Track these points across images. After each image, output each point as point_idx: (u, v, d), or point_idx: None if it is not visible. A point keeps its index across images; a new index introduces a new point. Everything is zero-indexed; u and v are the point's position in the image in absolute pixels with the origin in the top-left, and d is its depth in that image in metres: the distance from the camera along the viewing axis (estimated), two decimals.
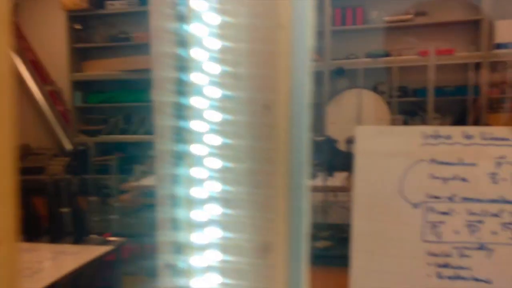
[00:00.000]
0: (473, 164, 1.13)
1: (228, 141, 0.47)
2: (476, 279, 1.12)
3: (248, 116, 0.46)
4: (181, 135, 0.45)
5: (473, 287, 1.13)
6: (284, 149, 0.46)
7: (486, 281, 1.12)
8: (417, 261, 1.15)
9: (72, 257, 1.80)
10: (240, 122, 0.47)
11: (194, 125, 0.46)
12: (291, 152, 0.46)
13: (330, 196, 2.06)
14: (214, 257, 0.46)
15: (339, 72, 3.37)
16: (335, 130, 2.27)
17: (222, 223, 0.46)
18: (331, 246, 1.80)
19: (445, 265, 1.14)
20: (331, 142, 1.92)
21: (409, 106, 3.97)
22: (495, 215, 1.12)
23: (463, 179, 1.14)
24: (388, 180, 1.17)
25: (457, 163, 1.14)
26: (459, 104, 4.02)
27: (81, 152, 2.65)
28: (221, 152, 0.47)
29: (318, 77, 3.46)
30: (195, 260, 0.47)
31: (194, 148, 0.48)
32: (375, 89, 3.77)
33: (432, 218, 1.15)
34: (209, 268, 0.46)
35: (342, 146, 2.15)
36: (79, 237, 2.03)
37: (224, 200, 0.46)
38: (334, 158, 2.06)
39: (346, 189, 2.21)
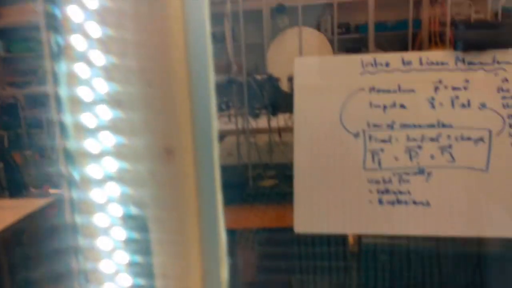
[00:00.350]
0: (411, 91, 1.13)
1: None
2: (415, 203, 1.15)
3: None
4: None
5: (413, 210, 1.16)
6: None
7: (425, 204, 1.15)
8: (360, 189, 1.16)
9: (10, 211, 1.71)
10: None
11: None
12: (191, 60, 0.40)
13: (274, 136, 2.05)
14: (111, 165, 0.40)
15: (280, 10, 3.28)
16: (277, 69, 2.22)
17: (116, 128, 0.40)
18: (276, 184, 1.81)
19: (386, 191, 1.16)
20: (273, 80, 1.87)
21: (352, 43, 3.97)
22: (433, 140, 1.13)
23: (402, 106, 1.13)
24: (329, 111, 1.15)
25: (396, 90, 1.13)
26: (401, 38, 4.06)
27: (10, 106, 2.47)
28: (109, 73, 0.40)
29: (257, 16, 3.36)
30: (90, 170, 0.41)
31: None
32: (317, 26, 3.72)
33: (373, 146, 1.15)
34: (106, 178, 0.41)
35: (284, 86, 2.11)
36: (15, 191, 1.92)
37: (115, 101, 0.39)
38: (277, 98, 2.03)
39: (289, 129, 2.19)
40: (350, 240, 1.31)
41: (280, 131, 2.08)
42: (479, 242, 1.29)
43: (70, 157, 0.41)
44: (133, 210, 0.40)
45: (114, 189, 0.41)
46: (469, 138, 1.13)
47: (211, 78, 0.40)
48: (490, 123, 1.12)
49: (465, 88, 1.12)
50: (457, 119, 1.12)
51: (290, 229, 1.25)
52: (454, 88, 1.12)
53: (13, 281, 1.63)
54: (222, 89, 2.04)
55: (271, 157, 2.00)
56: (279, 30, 3.38)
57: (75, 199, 0.41)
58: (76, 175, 0.41)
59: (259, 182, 1.83)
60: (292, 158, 1.23)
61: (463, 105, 1.12)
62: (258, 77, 1.81)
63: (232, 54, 2.04)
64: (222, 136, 2.21)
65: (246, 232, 1.80)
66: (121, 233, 0.41)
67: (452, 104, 1.13)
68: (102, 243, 0.41)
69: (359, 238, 1.29)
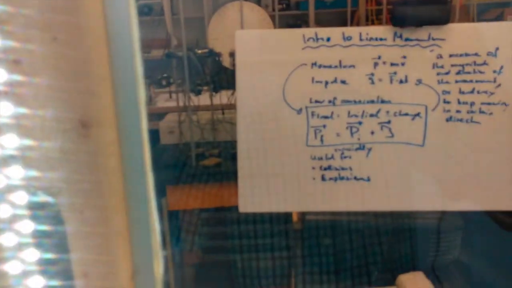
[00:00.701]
0: (352, 66, 1.13)
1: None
2: (356, 178, 1.17)
3: None
4: None
5: (354, 186, 1.17)
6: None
7: (366, 179, 1.17)
8: (303, 166, 1.16)
9: None
10: None
11: None
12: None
13: (217, 114, 2.01)
14: (11, 143, 0.34)
15: None
16: (218, 45, 2.17)
17: (16, 96, 0.33)
18: (220, 163, 1.78)
19: (329, 168, 1.16)
20: (214, 55, 1.82)
21: (292, 20, 3.97)
22: (373, 115, 1.15)
23: (343, 82, 1.13)
24: (271, 87, 1.13)
25: (337, 66, 1.13)
26: (340, 16, 4.11)
27: None
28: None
29: None
30: None
31: None
32: (258, 2, 3.67)
33: (315, 123, 1.15)
34: (6, 158, 0.34)
35: (226, 62, 2.07)
36: None
37: (13, 61, 0.33)
38: (219, 74, 1.98)
39: (233, 106, 2.15)
40: (294, 217, 1.32)
41: (223, 108, 2.05)
42: (414, 215, 1.35)
43: None
44: (42, 198, 0.34)
45: (17, 172, 0.35)
46: (406, 114, 1.15)
47: (136, 37, 0.34)
48: (426, 99, 1.15)
49: (402, 64, 1.14)
50: (395, 95, 1.14)
51: (235, 208, 1.23)
52: (392, 64, 1.14)
53: None
54: (161, 65, 1.96)
55: (214, 135, 1.96)
56: (219, 4, 3.30)
57: None
58: None
59: (202, 161, 1.80)
60: (236, 136, 1.21)
61: (400, 81, 1.14)
62: (199, 51, 1.76)
63: (171, 28, 1.96)
64: (163, 113, 2.14)
65: (189, 213, 1.77)
66: (28, 226, 0.35)
67: (391, 80, 1.14)
68: (5, 239, 0.35)
69: (302, 215, 1.30)
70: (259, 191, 1.18)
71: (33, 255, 0.36)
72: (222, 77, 1.94)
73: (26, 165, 0.33)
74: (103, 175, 0.34)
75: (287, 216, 1.34)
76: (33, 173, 0.34)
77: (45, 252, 0.35)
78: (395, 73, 1.13)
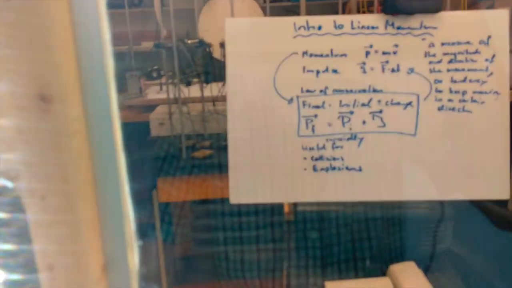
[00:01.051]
0: (343, 55, 1.12)
1: None
2: (348, 168, 1.16)
3: None
4: None
5: (346, 176, 1.16)
6: None
7: (357, 170, 1.16)
8: (294, 157, 1.15)
9: None
10: None
11: None
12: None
13: (208, 106, 2.00)
14: None
15: None
16: (209, 36, 2.15)
17: None
18: (211, 154, 1.77)
19: (320, 158, 1.15)
20: (204, 45, 1.80)
21: (283, 12, 3.95)
22: (365, 105, 1.14)
23: (335, 71, 1.12)
24: (262, 76, 1.12)
25: (329, 55, 1.11)
26: (331, 7, 4.10)
27: None
28: None
29: None
30: None
31: None
32: None
33: (306, 113, 1.14)
34: None
35: (216, 53, 2.05)
36: None
37: None
38: (209, 65, 1.96)
39: (223, 98, 2.14)
40: (286, 208, 1.31)
41: (214, 100, 2.03)
42: (406, 205, 1.34)
43: None
44: None
45: None
46: (398, 103, 1.14)
47: None
48: (418, 88, 1.14)
49: (394, 53, 1.13)
50: (387, 84, 1.13)
51: (226, 200, 1.22)
52: (384, 53, 1.13)
53: None
54: (151, 57, 1.94)
55: (205, 127, 1.95)
56: None
57: None
58: None
59: (193, 153, 1.78)
60: (227, 128, 1.20)
61: (392, 70, 1.13)
62: (189, 41, 1.73)
63: (160, 19, 1.93)
64: (154, 105, 2.11)
65: (180, 205, 1.75)
66: None
67: (383, 69, 1.13)
68: None
69: (294, 206, 1.30)
70: (250, 182, 1.17)
71: None
72: (213, 68, 1.92)
73: None
74: (67, 156, 0.31)
75: (278, 208, 1.33)
76: None
77: (4, 242, 0.33)
78: (387, 62, 1.12)
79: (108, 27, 0.32)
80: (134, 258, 0.37)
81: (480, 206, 1.46)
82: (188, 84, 1.81)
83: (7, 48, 0.27)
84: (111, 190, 0.33)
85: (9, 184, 0.30)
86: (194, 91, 1.93)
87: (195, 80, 1.88)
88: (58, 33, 0.28)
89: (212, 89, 2.01)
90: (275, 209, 1.38)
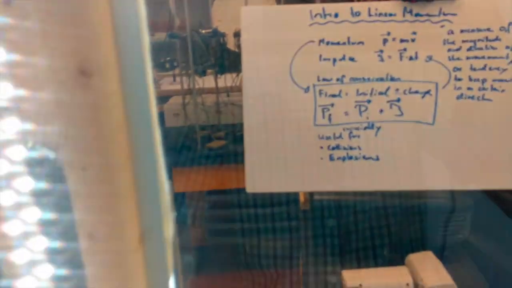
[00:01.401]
0: (361, 43, 1.10)
1: None
2: (365, 157, 1.15)
3: None
4: None
5: (363, 165, 1.16)
6: None
7: (374, 159, 1.15)
8: (311, 146, 1.15)
9: None
10: None
11: None
12: None
13: (222, 96, 2.00)
14: (5, 93, 0.31)
15: None
16: (223, 27, 2.15)
17: (7, 42, 0.31)
18: (225, 145, 1.77)
19: (337, 147, 1.14)
20: (218, 35, 1.79)
21: (298, 0, 3.92)
22: (382, 93, 1.12)
23: (352, 59, 1.11)
24: (278, 65, 1.11)
25: (346, 43, 1.10)
26: None
27: None
28: None
29: None
30: None
31: None
32: None
33: (323, 102, 1.13)
34: (4, 110, 0.32)
35: (231, 44, 2.04)
36: None
37: (1, 3, 0.30)
38: (224, 56, 1.96)
39: (237, 88, 2.14)
40: (301, 198, 1.30)
41: (228, 90, 2.03)
42: (424, 195, 1.33)
43: None
44: (41, 153, 0.32)
45: (12, 126, 0.32)
46: (416, 92, 1.13)
47: None
48: (436, 76, 1.12)
49: (412, 41, 1.11)
50: (405, 72, 1.12)
51: (241, 190, 1.22)
52: (402, 41, 1.11)
53: None
54: (164, 47, 1.94)
55: (220, 118, 1.95)
56: None
57: None
58: None
59: (208, 143, 1.78)
60: (241, 118, 1.19)
61: (410, 58, 1.11)
62: (203, 31, 1.73)
63: (174, 9, 1.93)
64: (167, 97, 2.12)
65: (195, 195, 1.76)
66: (27, 184, 0.33)
67: (400, 57, 1.11)
68: (3, 197, 0.33)
69: (310, 195, 1.29)
70: (266, 171, 1.17)
71: (33, 214, 0.33)
72: (227, 58, 1.91)
73: (21, 118, 0.31)
74: (106, 129, 0.31)
75: (294, 197, 1.33)
76: (29, 126, 0.31)
77: (45, 211, 0.33)
78: (404, 49, 1.11)
79: (144, 4, 0.32)
80: (169, 228, 0.37)
81: (494, 196, 1.44)
82: (203, 74, 1.81)
83: (47, 23, 0.28)
84: (147, 162, 0.33)
85: (50, 154, 0.30)
86: (208, 81, 1.93)
87: (209, 70, 1.88)
88: (96, 8, 0.28)
89: (226, 80, 2.01)
90: (291, 198, 1.38)
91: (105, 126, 0.31)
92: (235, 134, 1.84)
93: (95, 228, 0.33)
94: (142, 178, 0.33)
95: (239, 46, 1.16)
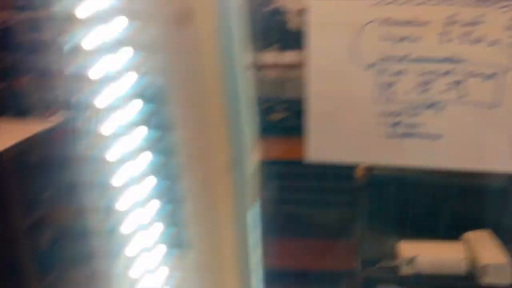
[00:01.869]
0: (424, 24, 1.11)
1: None
2: (426, 136, 1.17)
3: None
4: None
5: (423, 142, 1.18)
6: None
7: (435, 137, 1.17)
8: (371, 122, 1.18)
9: (16, 132, 1.74)
10: None
11: None
12: None
13: (281, 72, 2.04)
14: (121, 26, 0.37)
15: None
16: (286, 5, 2.17)
17: None
18: (286, 117, 1.83)
19: (398, 124, 1.17)
20: (280, 14, 1.83)
21: None
22: (445, 74, 1.13)
23: (414, 40, 1.12)
24: (341, 44, 1.15)
25: (409, 23, 1.11)
26: None
27: (7, 29, 2.39)
28: None
29: None
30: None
31: None
32: None
33: (384, 80, 1.15)
34: (119, 41, 0.39)
35: (293, 22, 2.07)
36: (19, 114, 1.94)
37: None
38: (285, 33, 1.99)
39: (298, 65, 2.17)
40: (358, 172, 1.34)
41: (289, 66, 2.07)
42: (484, 174, 1.32)
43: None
44: (149, 79, 0.38)
45: (125, 56, 0.39)
46: (479, 74, 1.12)
47: None
48: (500, 60, 1.11)
49: (477, 24, 1.10)
50: (468, 54, 1.12)
51: (299, 162, 1.28)
52: (466, 23, 1.11)
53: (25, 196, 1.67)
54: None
55: (280, 92, 2.00)
56: None
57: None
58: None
59: (269, 115, 1.85)
60: (301, 93, 1.24)
61: (474, 41, 1.11)
62: (265, 9, 1.77)
63: None
64: None
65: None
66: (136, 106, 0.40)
67: (464, 40, 1.11)
68: (117, 150, 0.40)
69: (367, 170, 1.33)
70: (327, 142, 1.22)
71: (147, 158, 0.42)
72: (289, 35, 1.95)
73: (134, 48, 0.38)
74: (202, 60, 0.37)
75: (351, 171, 1.37)
76: (140, 56, 0.38)
77: (152, 130, 0.41)
78: (468, 32, 1.10)
79: None
80: (254, 159, 0.44)
81: None
82: (265, 48, 1.85)
83: None
84: (237, 99, 0.39)
85: (157, 80, 0.38)
86: (269, 56, 1.98)
87: (272, 46, 1.92)
88: None
89: (287, 56, 2.05)
90: (348, 172, 1.42)
91: (200, 69, 0.37)
92: (295, 108, 1.89)
93: (191, 149, 0.40)
94: (231, 113, 0.38)
95: (303, 24, 1.20)
